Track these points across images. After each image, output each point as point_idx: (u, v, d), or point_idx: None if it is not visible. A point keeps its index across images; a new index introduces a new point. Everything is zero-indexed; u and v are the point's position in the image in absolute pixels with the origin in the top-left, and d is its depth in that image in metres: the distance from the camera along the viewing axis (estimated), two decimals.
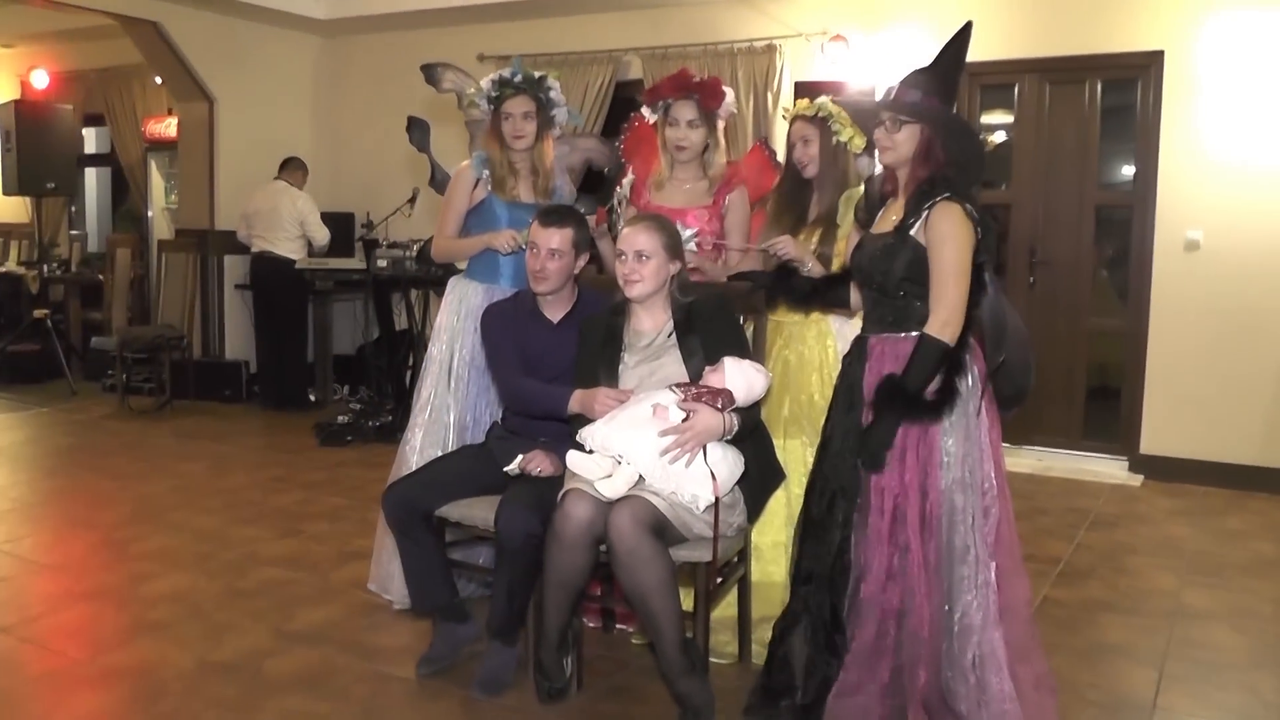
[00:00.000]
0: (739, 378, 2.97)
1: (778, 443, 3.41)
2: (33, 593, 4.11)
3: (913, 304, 2.80)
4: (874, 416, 2.76)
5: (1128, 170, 6.47)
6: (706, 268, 3.62)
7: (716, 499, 2.90)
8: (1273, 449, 5.87)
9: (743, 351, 3.12)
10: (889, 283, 2.82)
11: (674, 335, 3.15)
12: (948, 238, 2.72)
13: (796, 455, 3.41)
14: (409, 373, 7.39)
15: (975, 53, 6.28)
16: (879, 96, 3.01)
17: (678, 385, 2.97)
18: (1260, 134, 5.80)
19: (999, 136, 6.84)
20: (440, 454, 3.71)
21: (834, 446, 2.91)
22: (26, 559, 4.45)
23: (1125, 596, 4.23)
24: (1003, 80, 6.58)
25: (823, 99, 3.54)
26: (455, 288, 3.91)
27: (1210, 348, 5.99)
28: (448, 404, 3.82)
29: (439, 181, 4.12)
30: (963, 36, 2.85)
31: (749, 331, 3.39)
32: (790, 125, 3.60)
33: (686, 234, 3.34)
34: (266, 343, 8.00)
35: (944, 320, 2.71)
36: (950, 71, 2.86)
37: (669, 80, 3.71)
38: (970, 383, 2.78)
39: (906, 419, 2.74)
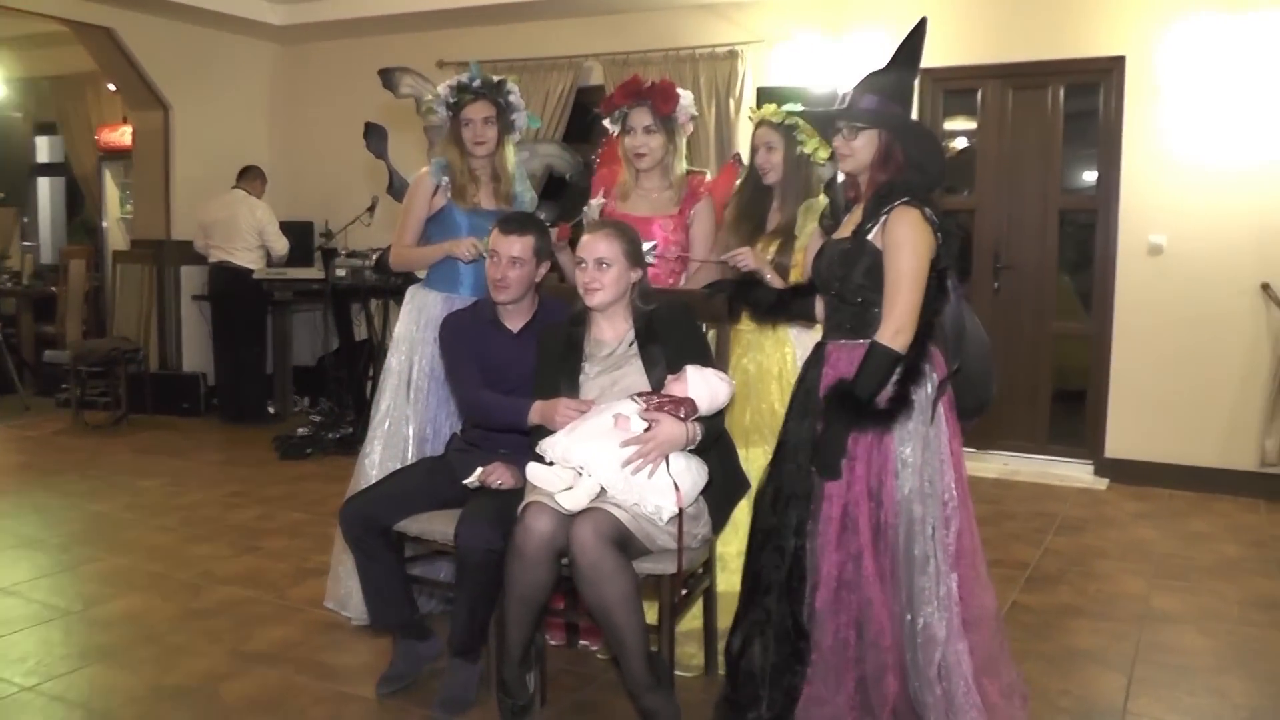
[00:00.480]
0: (702, 386, 2.92)
1: (740, 452, 3.37)
2: None
3: (870, 310, 2.76)
4: (824, 423, 2.72)
5: (1091, 175, 6.48)
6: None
7: (680, 510, 2.84)
8: (1235, 451, 5.89)
9: (705, 360, 3.07)
10: (846, 288, 2.78)
11: (635, 344, 3.10)
12: (904, 243, 2.68)
13: (759, 464, 3.32)
14: (370, 384, 7.29)
15: (938, 58, 6.40)
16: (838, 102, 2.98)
17: (639, 395, 2.91)
18: (1221, 138, 5.82)
19: (961, 142, 6.84)
20: (399, 466, 3.64)
21: (788, 452, 2.86)
22: None
23: (1094, 601, 4.21)
24: (965, 85, 6.58)
25: (789, 106, 3.51)
26: (414, 297, 3.84)
27: (1174, 351, 6.01)
28: (406, 416, 3.75)
29: (397, 188, 4.05)
30: (917, 36, 2.80)
31: (711, 339, 3.34)
32: (755, 129, 3.56)
33: (646, 246, 3.29)
34: (225, 355, 7.88)
35: (895, 328, 2.67)
36: (905, 72, 2.82)
37: (621, 88, 3.67)
38: (929, 391, 2.74)
39: (855, 426, 2.69)
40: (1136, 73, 6.02)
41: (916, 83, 2.92)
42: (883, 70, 2.80)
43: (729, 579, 3.37)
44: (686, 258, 3.65)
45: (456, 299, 3.72)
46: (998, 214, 6.54)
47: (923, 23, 2.80)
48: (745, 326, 3.49)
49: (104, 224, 9.77)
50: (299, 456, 6.60)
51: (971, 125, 6.67)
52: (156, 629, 3.81)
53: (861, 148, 2.78)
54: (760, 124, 3.54)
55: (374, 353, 7.28)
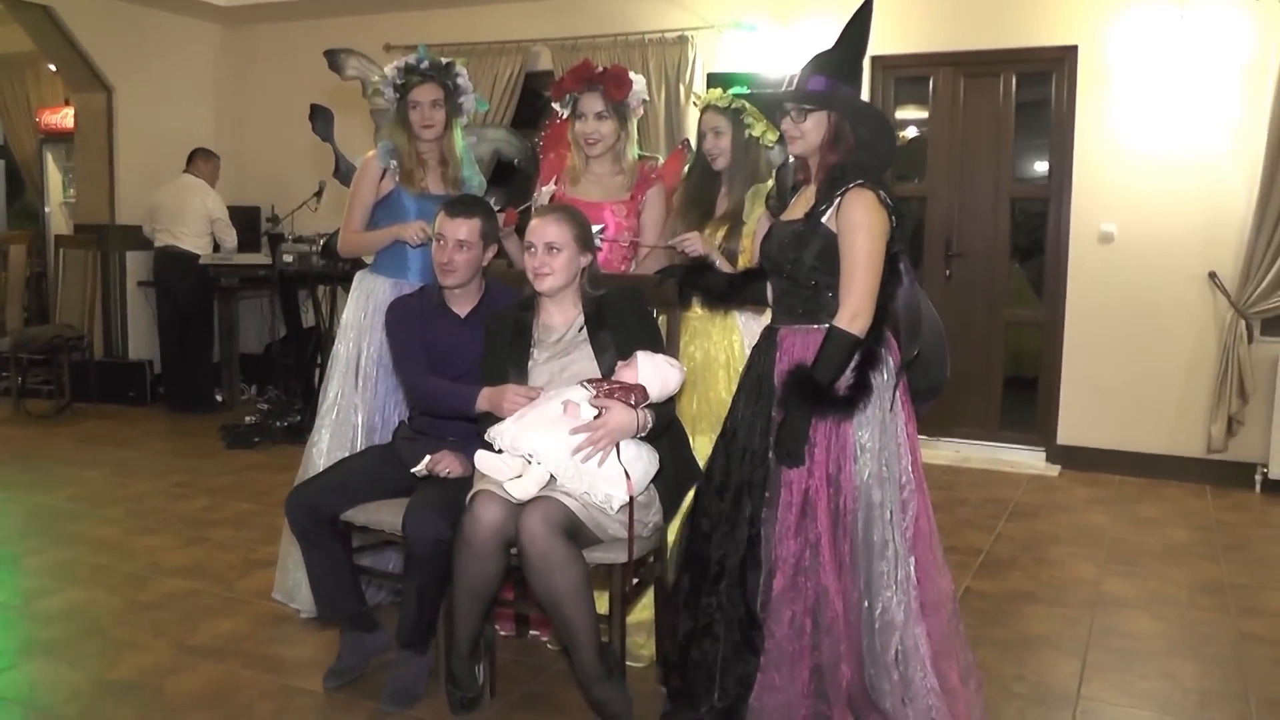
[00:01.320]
0: (652, 373, 2.88)
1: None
2: None
3: (823, 294, 2.73)
4: (784, 410, 2.69)
5: (1042, 164, 6.51)
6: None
7: (631, 498, 2.80)
8: (1182, 438, 5.95)
9: (656, 345, 3.03)
10: (799, 271, 2.75)
11: (585, 330, 3.06)
12: (860, 227, 2.65)
13: (706, 453, 3.28)
14: (318, 371, 7.19)
15: (889, 46, 6.40)
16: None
17: (589, 381, 2.87)
18: (1172, 128, 5.86)
19: (911, 131, 6.84)
20: (347, 456, 3.58)
21: (740, 439, 2.83)
22: None
23: (1047, 586, 4.23)
24: (917, 73, 6.58)
25: (735, 90, 3.47)
26: (362, 283, 3.78)
27: (1124, 339, 6.05)
28: (355, 404, 3.69)
29: (343, 173, 3.97)
30: (863, 16, 2.76)
31: (661, 324, 3.30)
32: (701, 115, 3.52)
33: (595, 229, 3.25)
34: (171, 342, 7.73)
35: (853, 312, 2.64)
36: (852, 53, 2.77)
37: (572, 73, 3.61)
38: (885, 376, 2.72)
39: (816, 413, 2.67)
40: (1088, 62, 6.04)
41: (866, 65, 2.89)
42: (830, 51, 2.76)
43: None
44: (638, 244, 3.61)
45: (404, 284, 3.66)
46: (949, 202, 6.56)
47: (867, 4, 2.76)
48: (693, 314, 3.45)
49: (46, 209, 9.56)
50: (246, 445, 6.50)
51: (923, 113, 6.67)
52: (101, 623, 3.72)
53: (811, 129, 2.75)
54: (707, 109, 3.49)
55: (322, 340, 7.18)
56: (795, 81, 2.76)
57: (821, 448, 2.70)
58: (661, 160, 3.90)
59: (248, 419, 6.77)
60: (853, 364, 2.68)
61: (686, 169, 3.71)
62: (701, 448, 3.26)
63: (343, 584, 3.20)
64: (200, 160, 7.65)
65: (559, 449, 2.76)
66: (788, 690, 2.72)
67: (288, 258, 7.09)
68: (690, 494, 3.08)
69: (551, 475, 2.79)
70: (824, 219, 2.71)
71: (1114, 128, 6.00)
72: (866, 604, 2.70)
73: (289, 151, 7.99)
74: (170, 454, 6.50)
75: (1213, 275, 5.79)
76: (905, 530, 2.72)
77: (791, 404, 2.67)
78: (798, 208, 2.85)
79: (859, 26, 2.77)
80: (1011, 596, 4.10)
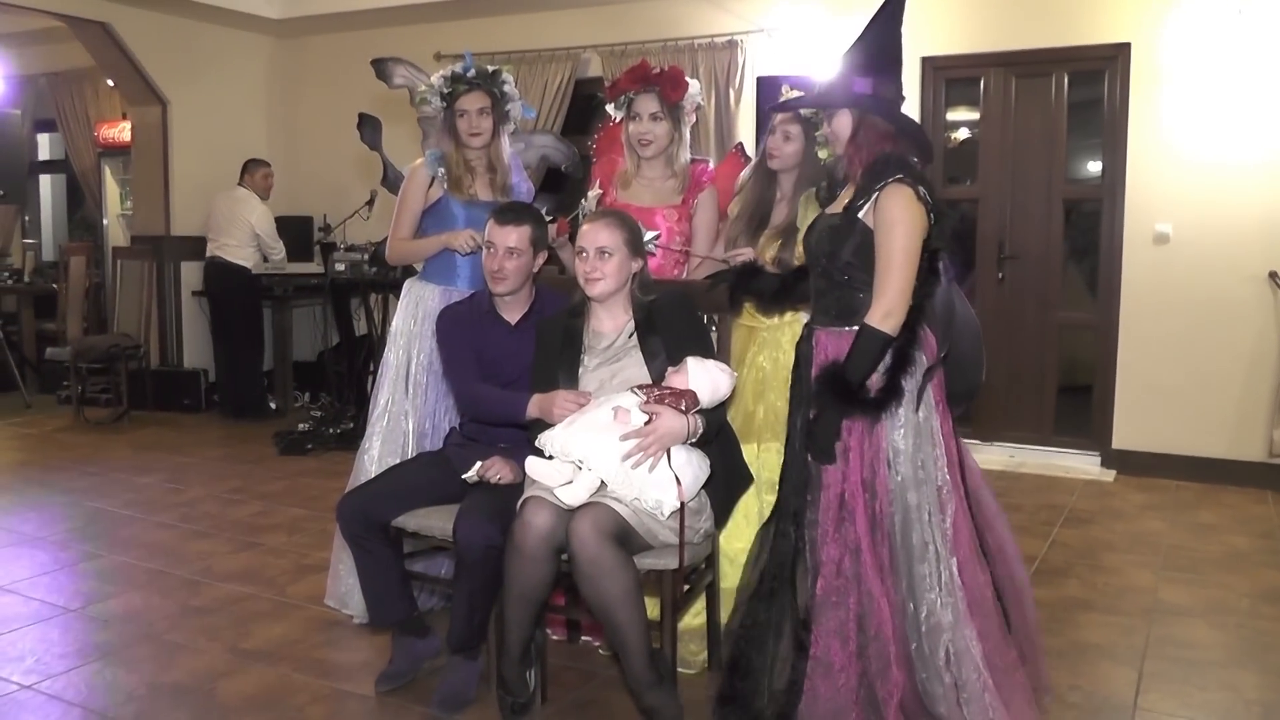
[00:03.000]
0: (703, 378, 2.87)
1: (753, 449, 3.33)
2: None
3: (856, 294, 2.71)
4: (816, 409, 2.69)
5: (1095, 164, 6.42)
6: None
7: (682, 504, 2.79)
8: (1243, 442, 5.83)
9: (706, 351, 3.02)
10: (834, 266, 2.73)
11: (635, 336, 3.05)
12: (896, 223, 2.62)
13: (771, 462, 3.27)
14: (370, 378, 7.25)
15: (939, 47, 6.36)
16: None
17: (639, 387, 2.86)
18: (1228, 125, 5.76)
19: (962, 133, 6.77)
20: (398, 462, 3.60)
21: (793, 445, 2.85)
22: None
23: (1103, 594, 4.16)
24: (968, 74, 6.51)
25: (788, 97, 3.43)
26: (411, 290, 3.80)
27: (1180, 341, 5.95)
28: (405, 411, 3.71)
29: (391, 180, 4.01)
30: (890, 6, 2.76)
31: (713, 330, 3.29)
32: (778, 113, 3.47)
33: (648, 236, 3.25)
34: (225, 351, 7.84)
35: (886, 310, 2.61)
36: (878, 44, 2.76)
37: (628, 74, 3.60)
38: (918, 378, 2.69)
39: (847, 412, 2.65)
40: (1142, 60, 5.95)
41: (917, 66, 2.91)
42: (853, 47, 2.76)
43: (734, 574, 3.28)
44: (689, 251, 3.58)
45: (454, 291, 3.68)
46: (1001, 204, 6.48)
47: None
48: (761, 322, 3.44)
49: (104, 220, 9.72)
50: (299, 452, 6.56)
51: (974, 115, 6.60)
52: (155, 626, 3.77)
53: (841, 128, 2.75)
54: (784, 108, 3.46)
55: (374, 347, 7.24)
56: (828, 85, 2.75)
57: (856, 452, 2.69)
58: (713, 164, 3.88)
59: (301, 426, 6.84)
60: (884, 366, 2.65)
61: (745, 173, 3.66)
62: (766, 456, 3.25)
63: (394, 589, 3.22)
64: (251, 171, 7.74)
65: (609, 455, 2.76)
66: (835, 698, 2.69)
67: (340, 266, 7.17)
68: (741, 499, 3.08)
69: (602, 481, 2.79)
70: (861, 214, 2.69)
71: (1168, 126, 5.90)
72: (911, 607, 2.68)
73: (341, 161, 8.07)
74: (224, 460, 6.57)
75: (1273, 275, 5.68)
76: (945, 532, 2.70)
77: (823, 402, 2.67)
78: (839, 202, 2.84)
79: (886, 18, 2.76)
80: (1066, 604, 4.03)
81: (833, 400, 2.65)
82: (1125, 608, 4.01)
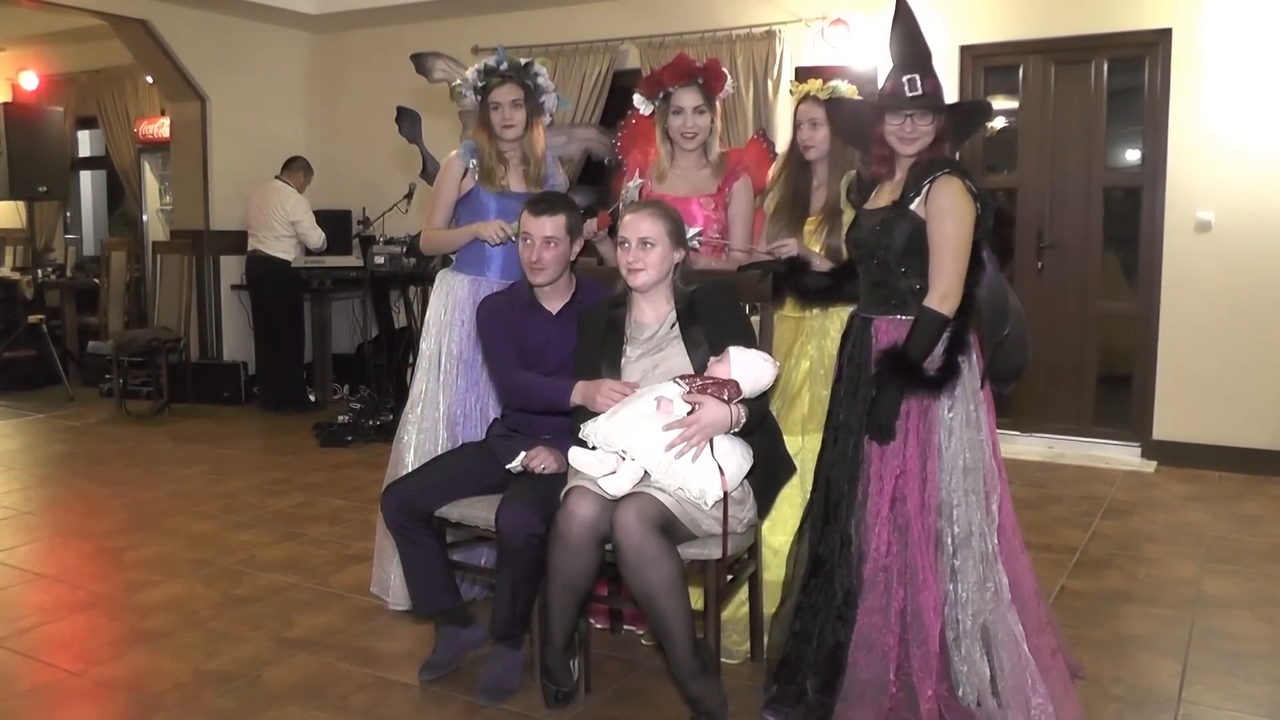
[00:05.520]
0: (745, 368, 2.88)
1: (798, 440, 3.34)
2: (25, 603, 3.99)
3: (913, 284, 2.81)
4: (877, 388, 2.77)
5: (1136, 151, 6.35)
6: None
7: (725, 494, 2.80)
8: None
9: (749, 341, 3.02)
10: (890, 256, 2.82)
11: (677, 326, 3.05)
12: (949, 212, 2.74)
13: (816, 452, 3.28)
14: (409, 370, 7.29)
15: (978, 35, 6.32)
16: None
17: (682, 377, 2.86)
18: (1270, 111, 5.68)
19: (1000, 122, 6.72)
20: (434, 450, 3.64)
21: (852, 428, 2.90)
22: (19, 569, 4.34)
23: (1144, 586, 4.12)
24: (1007, 62, 6.46)
25: (835, 83, 3.44)
26: (443, 281, 3.83)
27: (1223, 330, 5.88)
28: (437, 400, 3.74)
29: (430, 172, 4.03)
30: (910, 16, 2.87)
31: (755, 320, 3.28)
32: (798, 105, 3.50)
33: (691, 233, 3.25)
34: (264, 343, 7.92)
35: (943, 293, 2.73)
36: (929, 53, 2.87)
37: (670, 68, 3.59)
38: (971, 363, 2.81)
39: (909, 391, 2.75)
40: (1183, 46, 5.88)
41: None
42: (918, 57, 2.83)
43: (780, 564, 3.28)
44: (724, 243, 3.58)
45: (484, 281, 3.71)
46: (1041, 192, 6.43)
47: (901, 4, 2.87)
48: (809, 314, 3.46)
49: (144, 216, 9.82)
50: (339, 444, 6.61)
51: (1014, 103, 6.55)
52: (199, 615, 3.82)
53: (927, 131, 2.83)
54: (804, 99, 3.47)
55: (413, 340, 7.28)
56: (916, 84, 2.79)
57: (911, 434, 2.78)
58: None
59: (340, 418, 6.89)
60: (942, 347, 2.75)
61: (776, 168, 3.68)
62: (811, 446, 3.25)
63: (438, 579, 3.24)
64: (292, 168, 7.81)
65: (653, 445, 2.76)
66: (875, 671, 2.77)
67: (379, 259, 7.21)
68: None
69: (645, 471, 2.80)
70: (913, 206, 2.79)
71: (1210, 113, 5.83)
72: (955, 589, 2.78)
73: (379, 155, 8.12)
74: (264, 452, 6.64)
75: None
76: (991, 517, 2.82)
77: (884, 380, 2.75)
78: (881, 198, 2.93)
79: (914, 26, 2.86)
80: (1108, 596, 4.01)
81: (894, 379, 2.74)
82: (1168, 599, 3.97)
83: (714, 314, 3.03)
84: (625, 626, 3.62)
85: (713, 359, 2.92)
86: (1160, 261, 6.04)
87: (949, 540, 2.79)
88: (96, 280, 8.96)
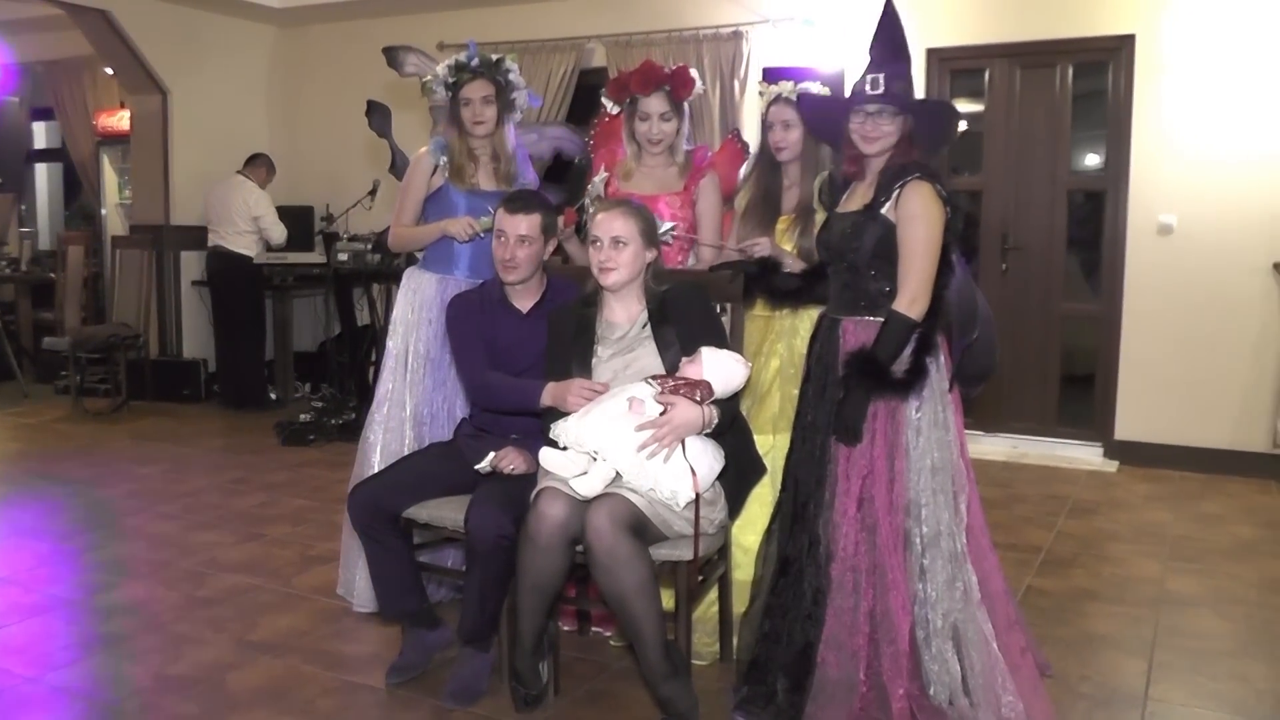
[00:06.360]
0: (717, 369, 2.86)
1: (769, 439, 3.33)
2: None
3: (882, 287, 2.82)
4: (845, 390, 2.78)
5: (1099, 155, 6.41)
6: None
7: (697, 495, 2.78)
8: (1246, 432, 5.84)
9: (720, 341, 3.00)
10: (860, 260, 2.83)
11: (648, 326, 3.03)
12: (918, 216, 2.75)
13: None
14: (372, 369, 7.23)
15: (944, 38, 6.34)
16: (848, 81, 2.99)
17: (654, 378, 2.85)
18: (1232, 117, 5.75)
19: (963, 126, 6.74)
20: (400, 450, 3.60)
21: (819, 428, 2.90)
22: None
23: (1110, 584, 4.16)
24: (972, 65, 6.50)
25: (806, 84, 3.44)
26: (410, 279, 3.80)
27: (1184, 332, 5.95)
28: (403, 399, 3.70)
29: (399, 167, 4.00)
30: (894, 17, 2.88)
31: (726, 320, 3.27)
32: (769, 107, 3.49)
33: (664, 227, 3.23)
34: (225, 341, 7.82)
35: (911, 297, 2.74)
36: (907, 55, 2.88)
37: (637, 75, 3.57)
38: (939, 365, 2.83)
39: (876, 393, 2.76)
40: (1145, 51, 5.94)
41: (922, 58, 3.03)
42: (890, 57, 2.84)
43: (748, 566, 3.28)
44: (694, 238, 3.58)
45: (451, 280, 3.69)
46: (1005, 195, 6.47)
47: (889, 5, 2.87)
48: (778, 314, 3.45)
49: (102, 210, 9.68)
50: (301, 443, 6.54)
51: (979, 106, 6.58)
52: (160, 618, 3.75)
53: (892, 131, 2.83)
54: (775, 101, 3.47)
55: (376, 338, 7.22)
56: (879, 84, 2.80)
57: (879, 435, 2.79)
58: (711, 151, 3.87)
59: (302, 416, 6.81)
60: (910, 349, 2.77)
61: (746, 169, 3.68)
62: (784, 445, 3.25)
63: (405, 581, 3.20)
64: (255, 164, 7.73)
65: (624, 445, 2.75)
66: (845, 671, 2.78)
67: (342, 256, 7.14)
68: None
69: (617, 472, 2.78)
70: (884, 210, 2.79)
71: (1172, 117, 5.90)
72: (923, 587, 2.80)
73: (343, 151, 8.05)
74: (225, 451, 6.56)
75: (1277, 266, 5.68)
76: (960, 517, 2.84)
77: (852, 383, 2.76)
78: (853, 201, 2.94)
79: (897, 27, 2.86)
80: (1074, 595, 4.03)
81: (861, 381, 2.75)
82: (1132, 598, 4.01)
83: (686, 314, 3.01)
84: (592, 628, 3.60)
85: (685, 359, 2.91)
86: (1123, 264, 6.10)
87: (918, 540, 2.80)
88: (53, 275, 8.81)
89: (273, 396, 7.88)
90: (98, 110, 9.44)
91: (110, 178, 9.70)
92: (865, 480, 2.80)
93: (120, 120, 9.07)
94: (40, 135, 10.70)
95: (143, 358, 7.90)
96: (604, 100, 3.69)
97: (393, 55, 4.03)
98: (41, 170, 10.95)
